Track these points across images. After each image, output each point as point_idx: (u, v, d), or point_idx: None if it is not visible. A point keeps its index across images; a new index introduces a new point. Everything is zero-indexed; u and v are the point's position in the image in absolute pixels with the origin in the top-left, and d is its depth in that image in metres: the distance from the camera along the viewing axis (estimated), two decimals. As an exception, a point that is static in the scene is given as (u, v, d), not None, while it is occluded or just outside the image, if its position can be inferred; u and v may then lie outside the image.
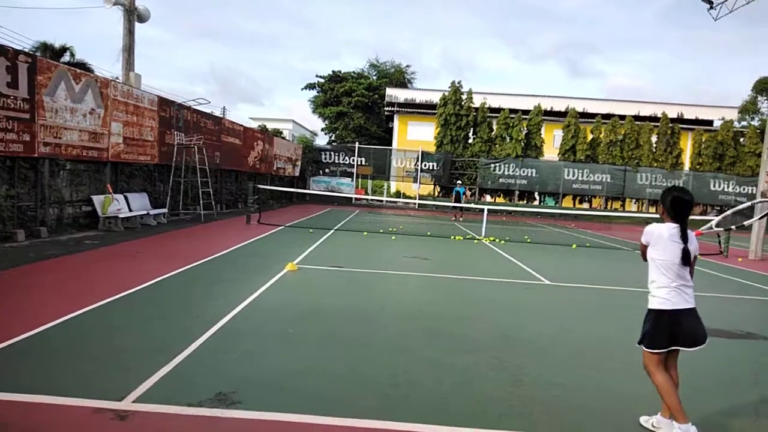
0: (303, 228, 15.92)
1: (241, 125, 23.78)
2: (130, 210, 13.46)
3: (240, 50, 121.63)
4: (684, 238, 3.43)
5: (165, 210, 15.31)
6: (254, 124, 34.42)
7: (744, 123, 44.89)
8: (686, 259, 3.42)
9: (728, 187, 33.03)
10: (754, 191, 28.47)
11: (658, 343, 3.46)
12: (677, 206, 3.49)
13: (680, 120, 36.98)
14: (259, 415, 3.44)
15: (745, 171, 32.96)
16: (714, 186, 33.20)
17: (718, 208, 32.07)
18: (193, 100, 18.75)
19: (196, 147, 16.92)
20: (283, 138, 33.25)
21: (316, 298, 6.91)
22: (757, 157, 31.61)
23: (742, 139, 34.29)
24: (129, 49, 17.04)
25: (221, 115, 23.46)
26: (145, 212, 13.99)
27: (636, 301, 8.12)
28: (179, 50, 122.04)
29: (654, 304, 3.51)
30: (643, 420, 3.68)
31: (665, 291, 3.46)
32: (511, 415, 3.71)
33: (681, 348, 3.49)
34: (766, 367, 5.23)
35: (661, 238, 3.47)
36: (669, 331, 3.44)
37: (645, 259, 3.66)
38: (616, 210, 34.08)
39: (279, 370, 4.27)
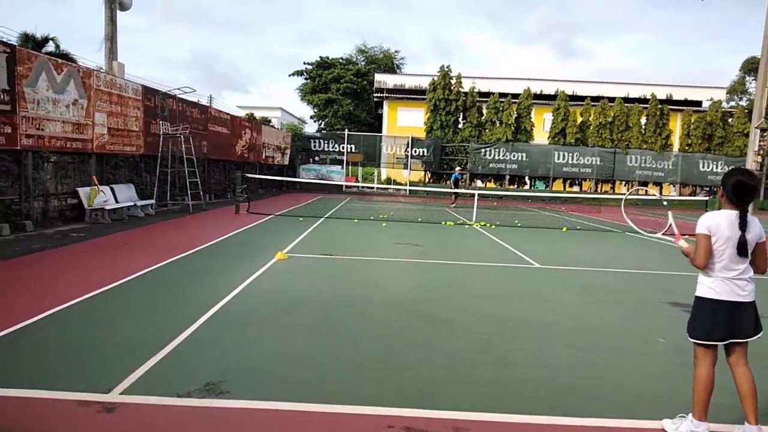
0: (293, 216, 15.85)
1: (228, 114, 23.55)
2: (117, 202, 13.32)
3: (223, 36, 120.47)
4: (743, 225, 3.13)
5: (152, 201, 15.17)
6: (242, 113, 34.12)
7: (732, 103, 45.11)
8: (743, 249, 3.13)
9: (717, 168, 33.25)
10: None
11: (702, 333, 3.24)
12: (740, 191, 3.16)
13: (669, 101, 37.09)
14: (247, 404, 3.42)
15: (734, 151, 33.18)
16: (703, 167, 33.44)
17: (707, 188, 32.32)
18: (178, 89, 18.47)
19: (182, 136, 16.73)
20: (272, 126, 33.00)
21: (306, 287, 6.89)
22: (745, 137, 31.83)
23: (730, 120, 34.51)
24: (111, 38, 16.75)
25: (207, 104, 23.19)
26: (132, 203, 13.85)
27: (625, 284, 8.19)
28: (161, 38, 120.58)
29: (699, 291, 3.30)
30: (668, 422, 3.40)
31: (711, 280, 3.23)
32: (498, 397, 3.72)
33: (729, 340, 3.21)
34: None
35: (720, 227, 3.18)
36: (711, 322, 3.21)
37: (704, 262, 3.20)
38: (606, 192, 34.25)
39: (268, 359, 4.25)
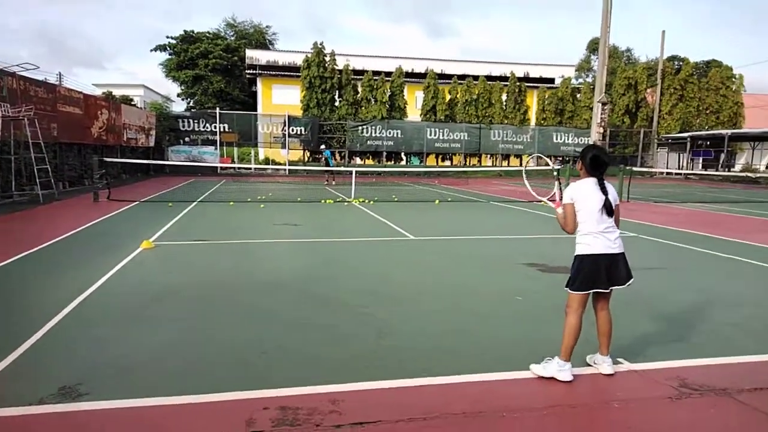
0: (161, 202, 14.87)
1: (81, 92, 21.28)
2: (-55, 195, 11.55)
3: (72, 6, 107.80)
4: (604, 191, 3.70)
5: (-8, 192, 13.37)
6: (99, 92, 31.00)
7: (580, 80, 49.87)
8: (609, 209, 3.68)
9: (568, 139, 36.83)
10: (589, 141, 31.98)
11: (583, 285, 3.68)
12: (595, 163, 3.74)
13: (527, 79, 40.05)
14: (109, 405, 3.19)
15: (582, 124, 36.88)
16: (556, 138, 36.78)
17: (561, 158, 35.62)
18: (18, 66, 16.31)
19: (26, 119, 14.85)
20: (134, 105, 30.39)
21: (176, 276, 6.54)
22: (590, 110, 35.49)
23: (578, 95, 38.19)
24: None
25: (56, 82, 20.72)
26: (-34, 196, 12.09)
27: (490, 249, 8.83)
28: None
29: (578, 249, 3.75)
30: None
31: (589, 237, 3.68)
32: (376, 367, 3.85)
33: (601, 290, 3.71)
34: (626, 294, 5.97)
35: (582, 191, 3.72)
36: (591, 274, 3.66)
37: (572, 227, 3.75)
38: (474, 166, 36.40)
39: (132, 355, 3.99)
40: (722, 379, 3.73)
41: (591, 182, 3.75)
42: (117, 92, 30.90)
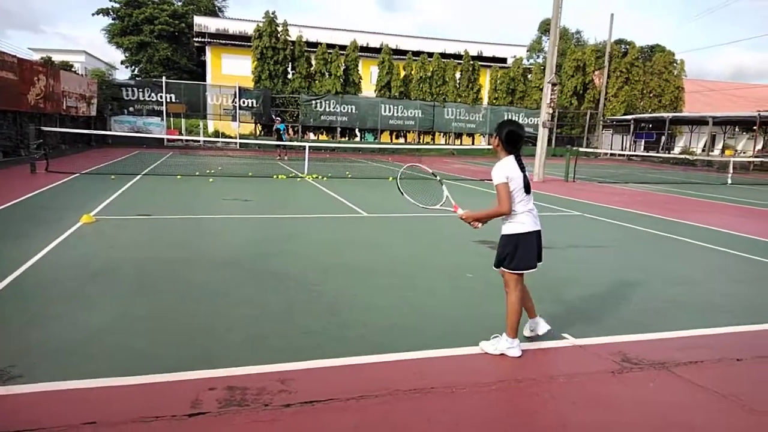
0: (103, 174, 14.20)
1: (15, 56, 19.85)
2: None
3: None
4: (522, 167, 3.65)
5: None
6: (36, 56, 29.03)
7: (532, 61, 50.65)
8: (528, 186, 3.68)
9: (519, 119, 37.32)
10: (538, 122, 32.70)
11: (523, 264, 3.70)
12: (513, 138, 3.66)
13: (480, 58, 40.30)
14: (45, 387, 3.03)
15: (532, 104, 37.56)
16: (507, 117, 37.29)
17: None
18: (-62, 23, 15.03)
19: (-51, 82, 13.75)
20: (74, 72, 28.67)
21: (118, 251, 6.26)
22: (540, 91, 36.18)
23: (529, 76, 38.77)
24: None
25: (-17, 43, 19.30)
26: None
27: (441, 227, 8.92)
28: None
29: (512, 229, 3.70)
30: (491, 340, 3.91)
31: (522, 216, 3.68)
32: (328, 344, 3.83)
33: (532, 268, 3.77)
34: (540, 271, 6.13)
35: (512, 169, 3.62)
36: (528, 252, 3.70)
37: (510, 206, 3.63)
38: (427, 143, 36.57)
39: (70, 335, 3.80)
40: (661, 353, 3.92)
41: (513, 160, 3.67)
42: (56, 58, 29.06)
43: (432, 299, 4.99)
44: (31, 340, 3.68)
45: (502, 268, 3.79)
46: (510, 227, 3.73)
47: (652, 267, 6.61)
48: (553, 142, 36.13)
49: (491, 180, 3.72)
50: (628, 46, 40.86)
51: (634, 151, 38.10)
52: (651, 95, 40.21)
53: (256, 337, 3.91)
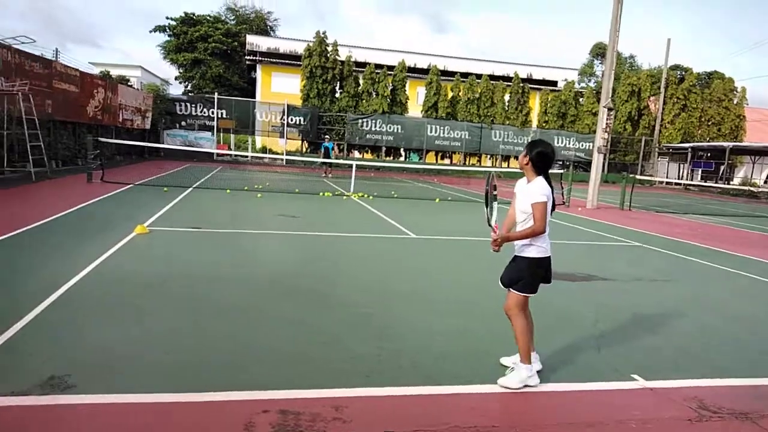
0: (156, 186, 14.58)
1: (77, 70, 20.87)
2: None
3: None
4: (552, 189, 3.57)
5: (-17, 167, 13.04)
6: (95, 70, 30.49)
7: (583, 84, 49.78)
8: (554, 207, 3.62)
9: (569, 143, 36.73)
10: (591, 147, 31.94)
11: (531, 288, 3.60)
12: (544, 159, 3.56)
13: (530, 80, 39.86)
14: (98, 399, 2.98)
15: (584, 129, 36.76)
16: (557, 142, 36.60)
17: (560, 162, 35.53)
18: (13, 38, 15.94)
19: (20, 94, 14.49)
20: (131, 86, 29.94)
21: (170, 263, 6.30)
22: (593, 115, 35.43)
23: (581, 99, 38.05)
24: None
25: (53, 58, 20.31)
26: (-45, 170, 11.77)
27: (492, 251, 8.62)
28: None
29: (534, 252, 3.57)
30: (504, 360, 3.84)
31: (545, 240, 3.59)
32: (380, 371, 3.65)
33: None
34: (603, 304, 5.81)
35: (549, 191, 3.55)
36: (543, 276, 3.63)
37: (545, 225, 3.49)
38: (473, 165, 36.21)
39: (123, 346, 3.77)
40: (742, 401, 3.56)
41: (545, 180, 3.58)
42: (114, 72, 30.41)
43: (486, 327, 4.74)
44: (85, 350, 3.66)
45: (512, 290, 3.64)
46: (533, 250, 3.59)
47: (724, 305, 6.16)
48: (606, 168, 35.15)
49: (514, 196, 3.64)
50: (684, 72, 39.59)
51: (691, 180, 36.63)
52: (709, 123, 38.69)
53: (306, 360, 3.77)
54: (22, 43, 16.14)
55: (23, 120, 14.57)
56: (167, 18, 40.42)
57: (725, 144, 34.45)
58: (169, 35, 40.54)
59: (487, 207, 3.78)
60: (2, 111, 14.39)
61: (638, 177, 24.71)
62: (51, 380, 3.14)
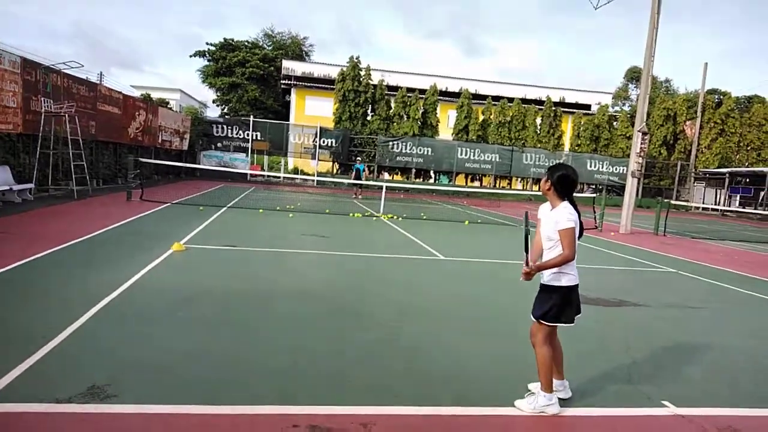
0: (192, 205, 15.02)
1: (120, 92, 21.81)
2: (-13, 184, 11.85)
3: (113, 8, 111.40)
4: (578, 213, 3.51)
5: (31, 185, 13.67)
6: (136, 93, 31.72)
7: (617, 108, 49.17)
8: (582, 232, 3.54)
9: (602, 167, 36.17)
10: (625, 171, 31.43)
11: (565, 317, 3.52)
12: (567, 183, 3.51)
13: (562, 104, 39.62)
14: (136, 409, 3.12)
15: (617, 152, 36.22)
16: (590, 166, 36.14)
17: (593, 186, 35.01)
18: (64, 63, 16.79)
19: (67, 115, 15.21)
20: (170, 108, 31.04)
21: (206, 279, 6.50)
22: (627, 139, 34.91)
23: (615, 123, 37.57)
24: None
25: (97, 81, 21.28)
26: (8, 188, 12.38)
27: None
28: (40, 3, 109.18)
29: (565, 281, 3.50)
30: (531, 386, 3.83)
31: (571, 268, 3.50)
32: (407, 389, 3.70)
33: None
34: (636, 330, 5.72)
35: (576, 216, 3.48)
36: (573, 305, 3.54)
37: (574, 252, 3.42)
38: (503, 188, 35.98)
39: (161, 358, 3.92)
40: (780, 433, 3.47)
41: (570, 205, 3.51)
42: (154, 95, 31.60)
43: (518, 348, 4.73)
44: (125, 360, 3.82)
45: (541, 320, 3.56)
46: (563, 278, 3.51)
47: (759, 333, 5.98)
48: (640, 192, 34.48)
49: (539, 222, 3.60)
50: (722, 97, 38.74)
51: (729, 206, 35.56)
52: (749, 148, 37.63)
53: (335, 375, 3.85)
54: (71, 68, 16.98)
55: (68, 140, 15.27)
56: (207, 44, 41.98)
57: (766, 169, 33.42)
58: (208, 60, 42.01)
59: (525, 248, 3.63)
60: (50, 131, 15.13)
61: (673, 202, 24.11)
62: (92, 389, 3.30)
